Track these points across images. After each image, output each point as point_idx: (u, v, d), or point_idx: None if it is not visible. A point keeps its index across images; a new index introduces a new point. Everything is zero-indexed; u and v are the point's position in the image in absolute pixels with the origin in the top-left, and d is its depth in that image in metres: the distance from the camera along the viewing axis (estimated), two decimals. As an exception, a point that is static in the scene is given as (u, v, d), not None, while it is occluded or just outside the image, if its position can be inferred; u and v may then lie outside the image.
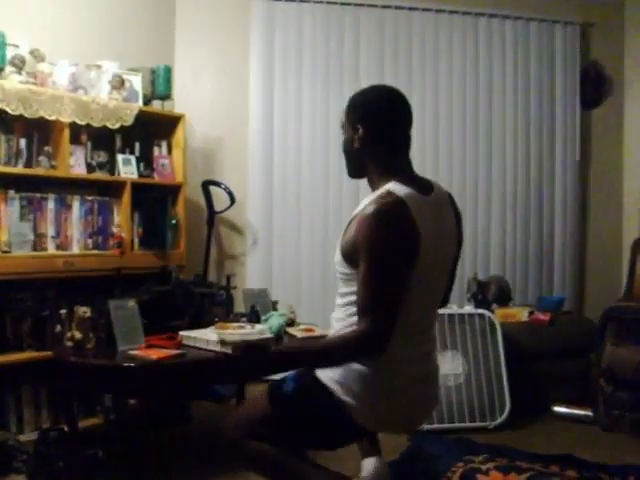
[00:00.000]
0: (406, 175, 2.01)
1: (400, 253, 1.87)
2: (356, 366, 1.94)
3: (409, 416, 2.08)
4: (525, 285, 5.01)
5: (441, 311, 3.58)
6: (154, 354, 2.77)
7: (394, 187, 1.94)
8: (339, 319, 2.06)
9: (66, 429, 3.08)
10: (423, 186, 2.01)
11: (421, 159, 4.74)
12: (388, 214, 1.88)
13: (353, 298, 1.94)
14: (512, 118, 5.01)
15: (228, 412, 2.23)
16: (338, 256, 2.01)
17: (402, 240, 1.87)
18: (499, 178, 4.98)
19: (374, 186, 2.05)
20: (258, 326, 3.27)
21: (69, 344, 2.97)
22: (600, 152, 5.30)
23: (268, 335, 3.16)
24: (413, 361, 2.00)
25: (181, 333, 3.08)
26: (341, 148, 2.16)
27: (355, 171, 2.16)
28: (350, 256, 1.94)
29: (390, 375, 1.95)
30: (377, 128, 2.04)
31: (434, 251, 1.94)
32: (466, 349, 3.77)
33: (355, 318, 1.92)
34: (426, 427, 3.53)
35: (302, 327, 3.51)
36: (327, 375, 1.98)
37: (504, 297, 4.45)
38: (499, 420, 3.68)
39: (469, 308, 4.03)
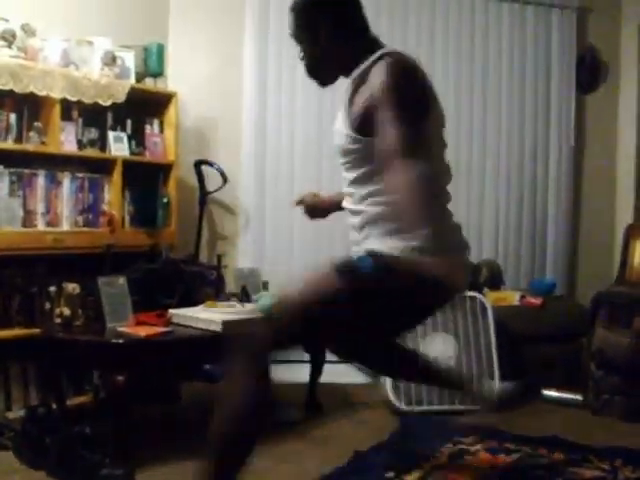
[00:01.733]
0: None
1: (422, 102, 1.89)
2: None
3: (466, 272, 2.22)
4: (517, 269, 5.01)
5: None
6: (142, 331, 2.77)
7: (388, 50, 1.96)
8: (361, 212, 1.99)
9: (54, 406, 3.07)
10: None
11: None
12: (407, 63, 1.90)
13: (372, 187, 1.93)
14: (507, 102, 4.99)
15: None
16: (349, 132, 1.94)
17: (422, 89, 1.91)
18: (493, 163, 4.97)
19: (352, 68, 2.01)
20: (248, 305, 3.27)
21: (58, 321, 2.97)
22: (595, 137, 5.29)
23: (258, 315, 3.16)
24: (454, 230, 2.11)
25: (170, 311, 3.08)
26: (305, 67, 2.13)
27: (331, 76, 2.12)
28: (365, 123, 1.89)
29: (446, 236, 1.95)
30: (339, 16, 2.05)
31: (439, 106, 2.00)
32: (457, 332, 3.76)
33: (379, 208, 1.92)
34: (415, 408, 3.54)
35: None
36: (394, 245, 1.87)
37: (496, 280, 4.45)
38: (489, 403, 3.68)
39: (461, 291, 4.02)
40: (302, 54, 2.10)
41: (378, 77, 1.85)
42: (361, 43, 2.03)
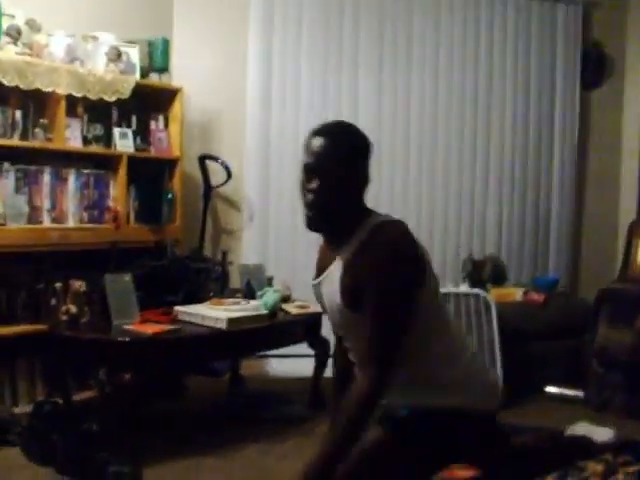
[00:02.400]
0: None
1: (412, 290, 1.81)
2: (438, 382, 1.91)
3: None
4: (520, 265, 5.02)
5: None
6: (149, 329, 2.79)
7: (385, 218, 1.88)
8: None
9: (60, 402, 3.10)
10: None
11: (420, 140, 4.75)
12: (404, 248, 1.81)
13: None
14: (512, 98, 4.97)
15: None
16: (340, 303, 1.86)
17: (416, 273, 1.82)
18: (496, 159, 4.96)
19: (346, 231, 1.86)
20: (253, 302, 3.28)
21: (64, 318, 2.99)
22: (599, 133, 5.28)
23: (263, 311, 3.18)
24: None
25: (176, 308, 3.10)
26: (313, 201, 1.82)
27: (332, 221, 1.88)
28: (355, 301, 1.82)
29: (468, 369, 1.97)
30: (366, 167, 1.90)
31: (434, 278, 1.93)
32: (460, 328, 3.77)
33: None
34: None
35: (297, 304, 3.53)
36: (430, 402, 1.91)
37: (499, 277, 4.46)
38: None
39: (464, 287, 4.04)
40: (317, 186, 1.82)
41: (374, 257, 1.78)
42: (361, 202, 1.92)
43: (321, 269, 1.97)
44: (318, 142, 1.83)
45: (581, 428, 2.92)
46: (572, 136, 5.14)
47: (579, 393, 3.85)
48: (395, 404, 1.97)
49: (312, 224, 1.87)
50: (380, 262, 1.77)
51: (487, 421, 2.01)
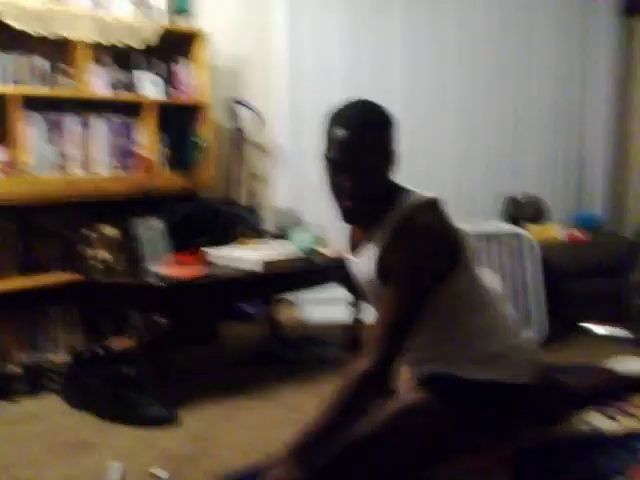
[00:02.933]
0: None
1: (440, 278, 1.78)
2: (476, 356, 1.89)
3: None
4: (562, 203, 4.88)
5: (476, 230, 3.51)
6: (180, 272, 2.77)
7: (416, 201, 1.81)
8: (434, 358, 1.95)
9: (98, 350, 3.12)
10: None
11: (458, 71, 4.63)
12: (436, 235, 1.76)
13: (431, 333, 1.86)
14: (546, 27, 4.79)
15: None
16: (376, 283, 1.84)
17: (448, 258, 1.79)
18: (537, 93, 4.80)
19: (379, 213, 1.82)
20: (288, 244, 3.24)
21: (97, 265, 2.98)
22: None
23: (298, 254, 3.13)
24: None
25: (209, 252, 3.07)
26: (350, 198, 1.76)
27: (368, 211, 1.82)
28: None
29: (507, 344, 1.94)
30: (394, 145, 1.82)
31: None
32: (502, 269, 3.67)
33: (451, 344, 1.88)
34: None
35: (331, 248, 3.46)
36: (469, 375, 1.89)
37: (540, 216, 4.35)
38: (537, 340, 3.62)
39: (504, 227, 3.92)
40: (349, 183, 1.74)
41: (407, 248, 1.73)
42: (391, 181, 1.86)
43: (354, 246, 1.96)
44: (342, 135, 1.74)
45: (623, 362, 2.85)
46: (613, 66, 4.93)
47: (622, 331, 3.76)
48: (434, 372, 1.95)
49: (349, 219, 1.83)
50: (412, 252, 1.72)
51: (525, 393, 1.95)
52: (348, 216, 1.81)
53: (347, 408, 1.72)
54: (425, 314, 1.77)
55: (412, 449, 1.83)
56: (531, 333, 2.15)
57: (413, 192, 1.85)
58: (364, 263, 1.87)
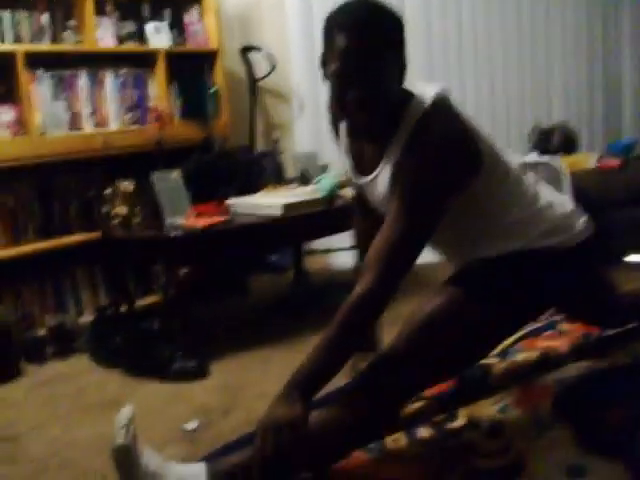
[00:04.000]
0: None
1: (454, 185, 1.66)
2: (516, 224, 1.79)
3: None
4: (592, 131, 4.71)
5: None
6: (201, 222, 2.69)
7: (428, 106, 1.64)
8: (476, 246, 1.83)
9: (122, 306, 3.07)
10: None
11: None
12: (451, 144, 1.60)
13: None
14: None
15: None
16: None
17: (468, 164, 1.66)
18: (561, 19, 4.60)
19: (389, 125, 1.66)
20: (309, 187, 3.14)
21: (116, 221, 2.91)
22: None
23: (320, 196, 3.02)
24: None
25: (229, 200, 2.99)
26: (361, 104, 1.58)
27: (377, 124, 1.66)
28: None
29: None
30: (404, 50, 1.64)
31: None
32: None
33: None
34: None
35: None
36: (509, 247, 1.78)
37: (570, 145, 4.17)
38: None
39: (533, 156, 3.77)
40: (356, 97, 1.57)
41: (421, 158, 1.59)
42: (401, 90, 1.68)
43: (363, 168, 1.81)
44: (345, 41, 1.54)
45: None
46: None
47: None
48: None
49: (362, 134, 1.72)
50: (427, 164, 1.58)
51: (567, 257, 1.84)
52: (361, 131, 1.69)
53: (346, 330, 1.61)
54: (456, 217, 1.69)
55: (454, 348, 1.74)
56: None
57: (422, 94, 1.67)
58: (379, 182, 1.73)
